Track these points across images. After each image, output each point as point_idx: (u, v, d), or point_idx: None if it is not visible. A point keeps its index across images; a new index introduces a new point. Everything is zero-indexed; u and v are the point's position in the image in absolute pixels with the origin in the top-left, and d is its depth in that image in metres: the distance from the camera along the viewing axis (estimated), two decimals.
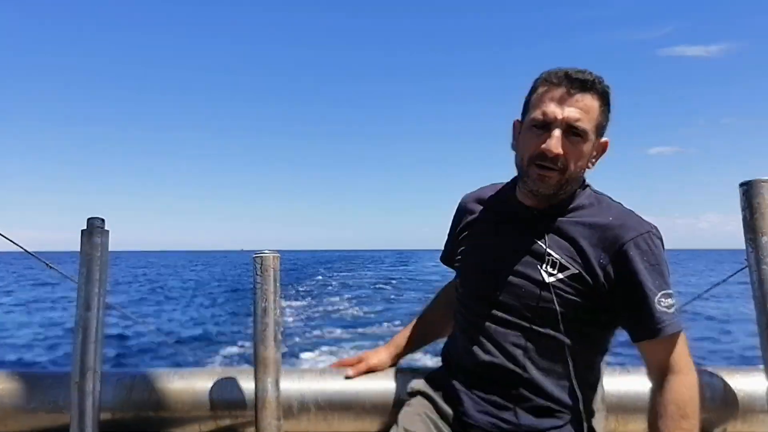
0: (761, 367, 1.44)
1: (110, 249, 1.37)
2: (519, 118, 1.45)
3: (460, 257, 1.58)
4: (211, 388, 1.67)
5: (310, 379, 1.72)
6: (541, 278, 1.35)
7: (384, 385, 1.70)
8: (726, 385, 1.60)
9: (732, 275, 1.70)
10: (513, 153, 1.45)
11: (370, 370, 1.71)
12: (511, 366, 1.36)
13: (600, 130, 1.36)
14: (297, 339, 12.56)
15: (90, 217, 1.32)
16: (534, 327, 1.36)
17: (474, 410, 1.39)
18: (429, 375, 1.59)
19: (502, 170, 1.58)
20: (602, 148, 1.41)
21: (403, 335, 1.78)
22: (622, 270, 1.31)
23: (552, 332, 1.35)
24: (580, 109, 1.30)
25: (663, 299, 1.29)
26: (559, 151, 1.30)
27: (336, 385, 1.70)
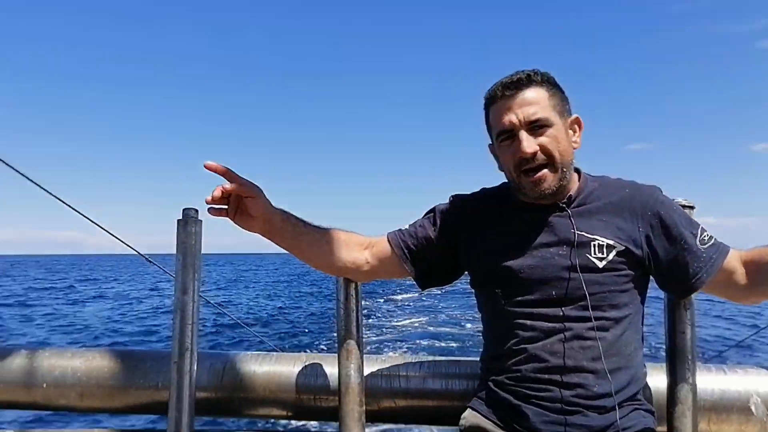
0: None
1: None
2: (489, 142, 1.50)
3: (488, 265, 1.46)
4: (298, 372, 1.72)
5: (393, 365, 1.74)
6: (594, 265, 1.36)
7: (458, 370, 1.71)
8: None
9: None
10: (502, 174, 1.49)
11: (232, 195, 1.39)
12: (585, 363, 1.33)
13: (561, 110, 1.41)
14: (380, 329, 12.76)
15: (185, 207, 1.39)
16: (599, 314, 1.35)
17: (540, 421, 1.33)
18: (475, 404, 1.49)
19: None
20: (577, 124, 1.45)
21: (296, 217, 1.52)
22: (661, 229, 1.40)
23: (615, 315, 1.36)
24: (530, 104, 1.36)
25: (702, 236, 1.42)
26: (534, 148, 1.35)
27: (418, 372, 1.71)
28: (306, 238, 1.52)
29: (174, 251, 1.38)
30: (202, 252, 1.41)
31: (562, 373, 1.33)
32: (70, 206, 1.83)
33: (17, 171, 1.71)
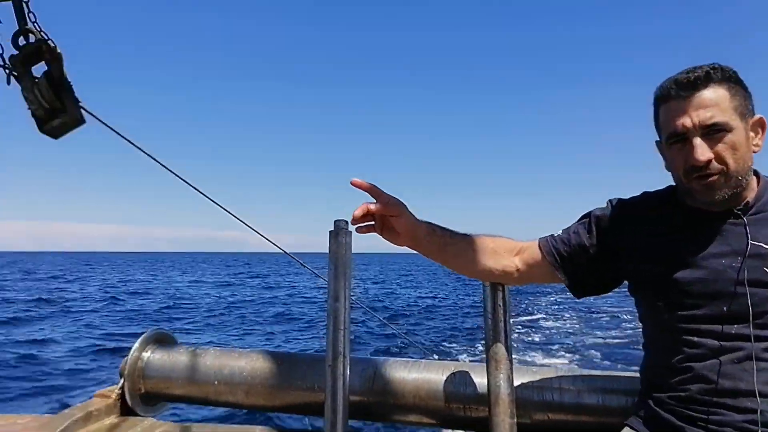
0: None
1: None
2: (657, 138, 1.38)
3: (650, 275, 1.37)
4: (445, 380, 1.73)
5: (546, 377, 1.70)
6: None
7: (615, 385, 1.63)
8: None
9: None
10: (669, 173, 1.38)
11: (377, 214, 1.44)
12: (760, 387, 1.19)
13: (743, 112, 1.27)
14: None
15: (336, 219, 1.46)
16: None
17: None
18: (633, 423, 1.39)
19: None
20: (761, 126, 1.32)
21: (442, 228, 1.54)
22: None
23: None
24: (707, 107, 1.24)
25: None
26: (707, 156, 1.24)
27: (573, 385, 1.65)
28: (452, 249, 1.54)
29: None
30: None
31: (733, 397, 1.21)
32: (237, 217, 2.00)
33: (190, 184, 1.89)
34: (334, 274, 1.41)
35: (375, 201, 1.45)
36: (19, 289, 28.44)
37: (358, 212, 1.42)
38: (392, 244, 1.50)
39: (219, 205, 1.95)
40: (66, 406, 2.06)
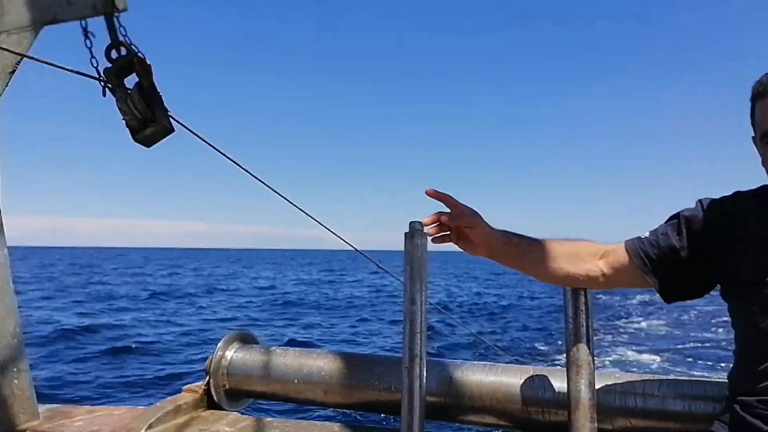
0: None
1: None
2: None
3: (744, 279, 1.29)
4: (523, 384, 1.71)
5: (628, 381, 1.65)
6: None
7: (702, 391, 1.57)
8: None
9: None
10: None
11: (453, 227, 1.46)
12: None
13: None
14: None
15: (411, 221, 1.46)
16: None
17: None
18: (717, 428, 1.33)
19: None
20: None
21: (518, 235, 1.52)
22: None
23: None
24: None
25: None
26: None
27: (657, 391, 1.60)
28: (530, 257, 1.52)
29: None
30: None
31: None
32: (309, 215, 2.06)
33: (264, 183, 1.96)
34: (410, 276, 1.41)
35: (450, 211, 1.45)
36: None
37: (428, 221, 1.43)
38: (470, 254, 1.50)
39: (299, 208, 2.01)
40: None
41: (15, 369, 1.86)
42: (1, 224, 1.82)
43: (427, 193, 1.43)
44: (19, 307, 1.88)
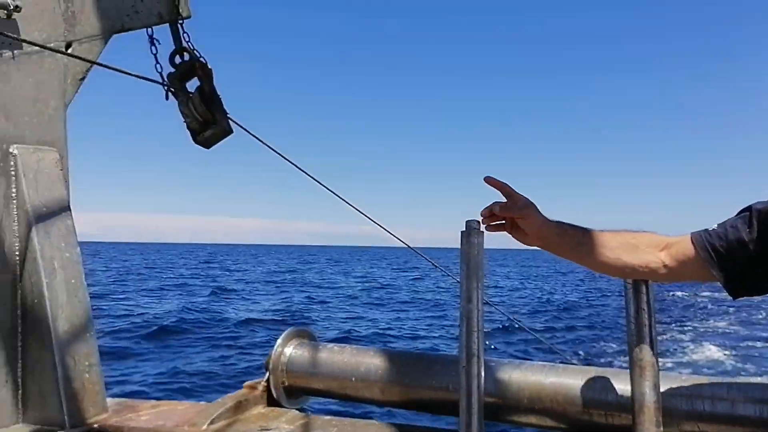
0: None
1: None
2: None
3: None
4: (585, 386, 1.67)
5: (695, 384, 1.59)
6: None
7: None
8: None
9: None
10: None
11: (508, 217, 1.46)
12: None
13: None
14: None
15: (468, 220, 1.45)
16: None
17: None
18: None
19: None
20: None
21: (573, 226, 1.50)
22: None
23: None
24: None
25: None
26: None
27: (727, 395, 1.54)
28: (585, 249, 1.48)
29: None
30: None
31: None
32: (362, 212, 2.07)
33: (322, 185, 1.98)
34: (467, 274, 1.40)
35: (505, 201, 1.46)
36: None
37: (485, 212, 1.45)
38: (524, 245, 1.49)
39: (355, 207, 2.02)
40: None
41: (87, 363, 1.94)
42: (72, 224, 1.91)
43: (486, 180, 1.44)
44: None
